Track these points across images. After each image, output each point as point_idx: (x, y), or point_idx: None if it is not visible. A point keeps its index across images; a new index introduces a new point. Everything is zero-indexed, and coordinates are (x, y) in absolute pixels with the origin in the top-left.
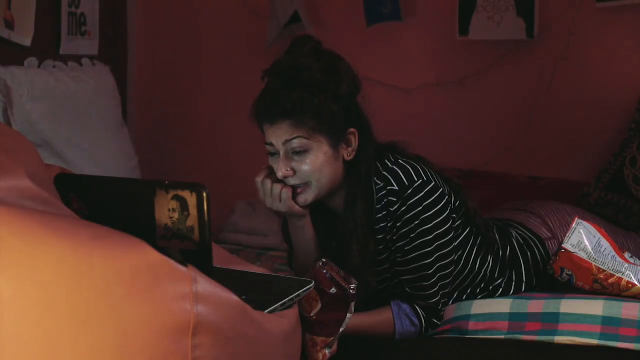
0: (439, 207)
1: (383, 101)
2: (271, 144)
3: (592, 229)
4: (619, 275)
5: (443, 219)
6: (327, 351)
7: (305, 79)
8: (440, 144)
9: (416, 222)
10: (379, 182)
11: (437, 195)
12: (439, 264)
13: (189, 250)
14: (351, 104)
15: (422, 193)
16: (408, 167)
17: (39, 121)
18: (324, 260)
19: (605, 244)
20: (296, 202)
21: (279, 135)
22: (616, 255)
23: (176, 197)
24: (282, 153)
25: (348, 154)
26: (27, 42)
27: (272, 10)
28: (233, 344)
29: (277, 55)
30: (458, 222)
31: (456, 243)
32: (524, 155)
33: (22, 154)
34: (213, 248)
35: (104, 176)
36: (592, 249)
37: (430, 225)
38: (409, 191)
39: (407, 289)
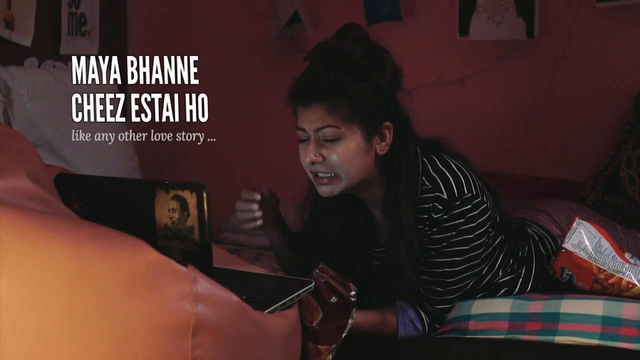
0: (479, 221)
1: None
2: (303, 130)
3: (592, 229)
4: (619, 275)
5: (481, 232)
6: (330, 357)
7: (347, 63)
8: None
9: (454, 232)
10: (427, 184)
11: (480, 209)
12: (463, 275)
13: (189, 250)
14: (390, 96)
15: (469, 206)
16: (460, 175)
17: (39, 121)
18: (320, 266)
19: (606, 244)
20: (320, 192)
21: (311, 120)
22: (616, 256)
23: (176, 197)
24: (312, 138)
25: (381, 148)
26: (27, 42)
27: (272, 10)
28: (233, 344)
29: (277, 55)
30: (492, 234)
31: (485, 254)
32: (524, 155)
33: (22, 154)
34: (213, 248)
35: (104, 176)
36: (593, 249)
37: (468, 237)
38: (457, 202)
39: (421, 290)
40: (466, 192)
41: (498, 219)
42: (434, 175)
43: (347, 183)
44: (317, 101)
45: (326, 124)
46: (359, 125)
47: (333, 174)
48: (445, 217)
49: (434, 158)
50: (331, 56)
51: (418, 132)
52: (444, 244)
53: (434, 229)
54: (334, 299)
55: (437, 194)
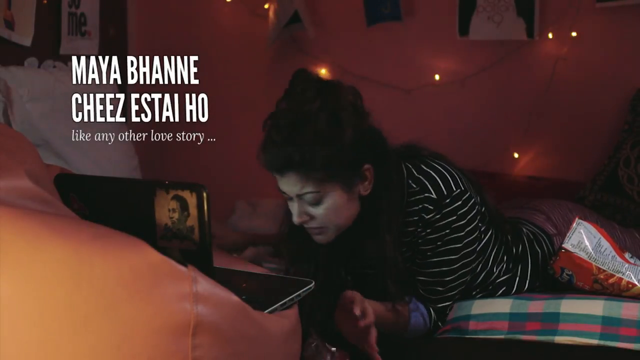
0: (470, 216)
1: (383, 101)
2: (284, 192)
3: (592, 229)
4: (619, 275)
5: (472, 228)
6: None
7: (309, 132)
8: (440, 144)
9: (447, 230)
10: (414, 186)
11: (470, 204)
12: (460, 272)
13: (189, 250)
14: (361, 143)
15: (459, 202)
16: (446, 174)
17: (39, 121)
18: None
19: (606, 244)
20: (315, 240)
21: (289, 186)
22: (616, 256)
23: (176, 197)
24: (295, 200)
25: (364, 188)
26: (27, 42)
27: (272, 10)
28: (233, 344)
29: (277, 55)
30: (483, 229)
31: (479, 248)
32: (523, 155)
33: (22, 154)
34: (213, 248)
35: (104, 176)
36: (592, 249)
37: (460, 234)
38: (447, 200)
39: (421, 291)
40: (454, 188)
41: (486, 213)
42: (420, 177)
43: (337, 231)
44: (290, 171)
45: (304, 191)
46: (337, 182)
47: (323, 227)
48: (437, 216)
49: (417, 161)
50: (291, 127)
51: (416, 132)
52: (438, 243)
53: (428, 230)
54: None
55: (425, 194)
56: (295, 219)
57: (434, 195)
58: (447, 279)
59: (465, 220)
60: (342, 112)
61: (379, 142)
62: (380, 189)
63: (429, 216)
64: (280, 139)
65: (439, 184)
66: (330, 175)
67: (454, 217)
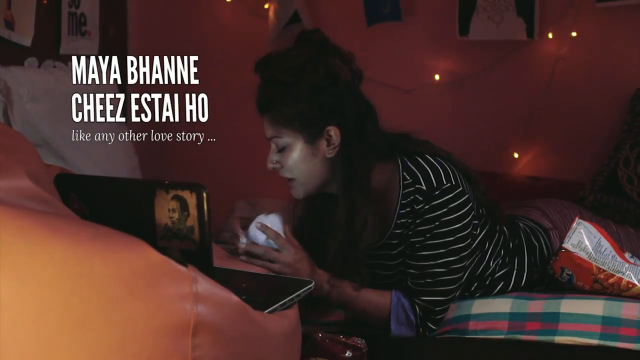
0: (462, 212)
1: (383, 101)
2: (265, 136)
3: (592, 228)
4: (619, 275)
5: (464, 224)
6: None
7: (285, 79)
8: (440, 144)
9: (436, 223)
10: (408, 178)
11: (462, 200)
12: (450, 267)
13: (189, 250)
14: (327, 102)
15: (449, 195)
16: (439, 167)
17: (39, 121)
18: (320, 334)
19: (606, 243)
20: (291, 194)
21: (265, 128)
22: (616, 255)
23: (176, 197)
24: (271, 146)
25: (329, 151)
26: (27, 42)
27: (272, 10)
28: (233, 344)
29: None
30: (479, 225)
31: (474, 244)
32: (523, 155)
33: (22, 154)
34: (213, 248)
35: (104, 176)
36: (593, 249)
37: (450, 228)
38: (436, 192)
39: (409, 283)
40: (445, 182)
41: (483, 211)
42: (413, 168)
43: (305, 187)
44: (263, 112)
45: (272, 135)
46: (299, 132)
47: (293, 178)
48: (426, 207)
49: (413, 155)
50: (268, 71)
51: (416, 132)
52: (427, 235)
53: (417, 221)
54: (349, 354)
55: (417, 186)
56: (267, 164)
57: (423, 187)
58: (436, 271)
59: (455, 215)
60: (311, 65)
61: (357, 115)
62: (346, 158)
63: (418, 207)
64: (261, 80)
65: (430, 176)
66: (291, 122)
67: (444, 210)
